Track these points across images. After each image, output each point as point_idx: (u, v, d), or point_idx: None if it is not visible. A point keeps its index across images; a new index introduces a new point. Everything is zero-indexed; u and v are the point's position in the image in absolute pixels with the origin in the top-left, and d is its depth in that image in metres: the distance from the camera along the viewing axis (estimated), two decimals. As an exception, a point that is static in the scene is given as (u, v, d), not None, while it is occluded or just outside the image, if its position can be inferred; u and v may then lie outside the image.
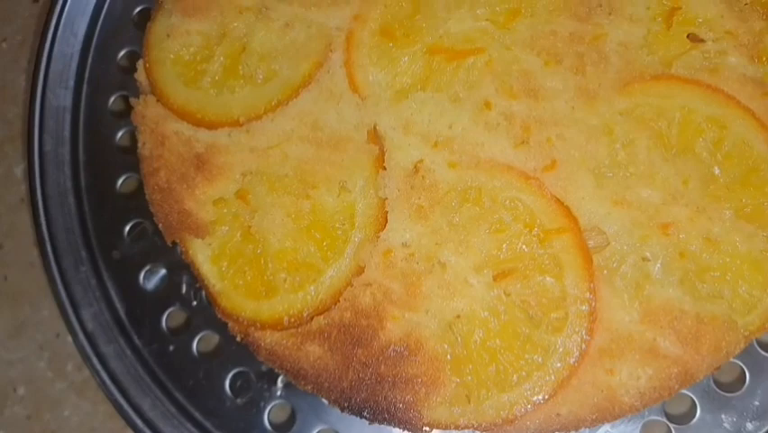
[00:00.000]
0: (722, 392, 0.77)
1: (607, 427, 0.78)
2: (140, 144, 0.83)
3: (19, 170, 1.02)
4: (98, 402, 0.94)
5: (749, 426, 0.76)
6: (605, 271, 0.73)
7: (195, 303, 0.85)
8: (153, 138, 0.82)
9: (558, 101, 0.77)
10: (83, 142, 0.91)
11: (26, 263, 0.99)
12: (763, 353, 0.77)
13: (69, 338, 0.92)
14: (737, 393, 0.77)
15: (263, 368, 0.82)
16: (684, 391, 0.76)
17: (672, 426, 0.77)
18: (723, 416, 0.76)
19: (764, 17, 0.77)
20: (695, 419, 0.77)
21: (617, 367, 0.72)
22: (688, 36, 0.77)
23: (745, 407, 0.76)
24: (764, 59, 0.77)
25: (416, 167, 0.77)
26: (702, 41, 0.77)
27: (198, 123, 0.82)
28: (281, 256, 0.78)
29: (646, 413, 0.77)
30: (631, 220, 0.75)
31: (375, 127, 0.79)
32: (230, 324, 0.79)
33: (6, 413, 0.95)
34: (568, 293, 0.72)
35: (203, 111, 0.82)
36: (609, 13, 0.79)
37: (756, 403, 0.76)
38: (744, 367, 0.77)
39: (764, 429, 0.76)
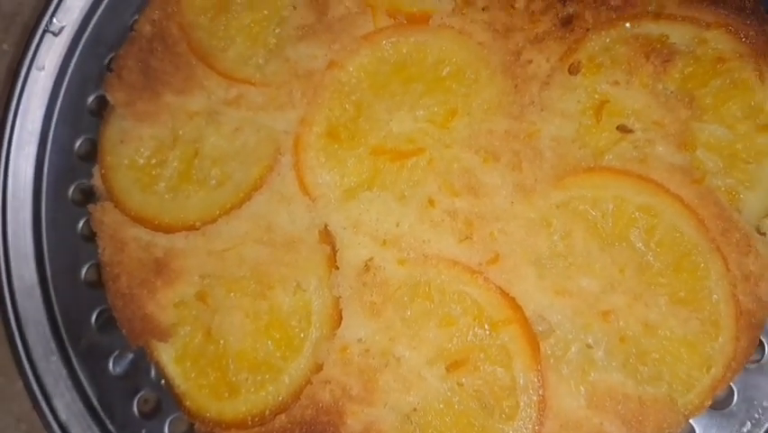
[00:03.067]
0: None
1: None
2: (100, 250, 0.83)
3: None
4: None
5: None
6: (551, 360, 0.74)
7: (163, 384, 0.84)
8: (112, 244, 0.83)
9: (498, 197, 0.79)
10: (45, 234, 0.90)
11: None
12: (711, 409, 0.76)
13: None
14: None
15: None
16: None
17: None
18: None
19: (689, 106, 0.79)
20: None
21: None
22: (617, 128, 0.79)
23: None
24: (691, 147, 0.78)
25: (366, 265, 0.78)
26: (631, 131, 0.79)
27: (156, 228, 0.83)
28: (242, 356, 0.79)
29: None
30: (573, 309, 0.76)
31: (326, 227, 0.81)
32: (196, 424, 0.79)
33: None
34: (517, 382, 0.73)
35: (159, 216, 0.83)
36: (541, 110, 0.80)
37: None
38: (692, 424, 0.77)
39: None
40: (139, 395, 0.86)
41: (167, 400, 0.84)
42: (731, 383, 0.77)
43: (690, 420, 0.77)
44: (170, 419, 0.84)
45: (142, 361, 0.86)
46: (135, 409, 0.85)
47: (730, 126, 0.79)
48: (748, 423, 0.77)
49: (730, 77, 0.79)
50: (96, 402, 0.86)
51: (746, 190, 0.77)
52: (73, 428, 0.85)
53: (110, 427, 0.85)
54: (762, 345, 0.78)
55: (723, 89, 0.79)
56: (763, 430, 0.77)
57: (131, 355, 0.87)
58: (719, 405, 0.78)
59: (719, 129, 0.79)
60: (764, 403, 0.77)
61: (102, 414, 0.86)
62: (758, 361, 0.78)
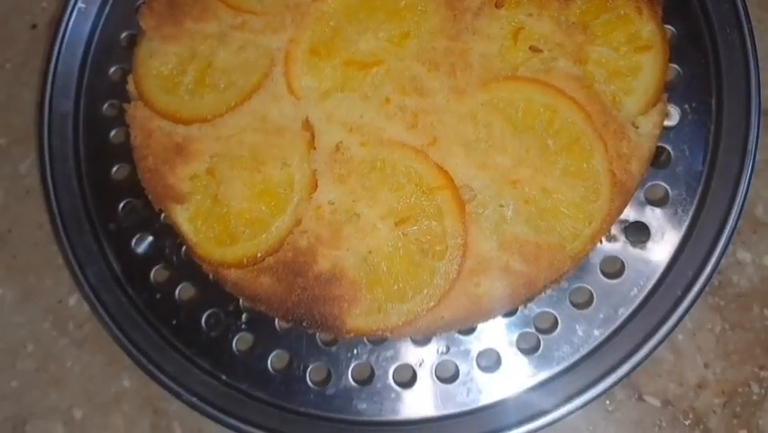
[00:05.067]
0: (576, 310, 0.87)
1: (487, 339, 0.88)
2: (132, 137, 0.91)
3: (23, 167, 1.10)
4: (95, 353, 1.01)
5: (596, 332, 0.87)
6: (473, 216, 0.83)
7: (175, 261, 0.94)
8: (142, 133, 0.91)
9: (437, 96, 0.86)
10: (83, 140, 1.00)
11: (32, 243, 1.06)
12: (605, 279, 0.88)
13: (70, 302, 1.04)
14: (587, 310, 0.87)
15: (231, 308, 0.92)
16: (549, 309, 0.88)
17: (539, 335, 0.87)
18: (577, 326, 0.87)
19: (583, 32, 0.86)
20: (557, 330, 0.87)
21: (482, 282, 0.82)
22: (530, 48, 0.87)
23: (593, 319, 0.87)
24: (584, 63, 0.86)
25: (337, 146, 0.86)
26: (540, 50, 0.87)
27: (176, 120, 0.90)
28: (240, 215, 0.86)
29: (521, 326, 0.88)
30: (490, 179, 0.84)
31: (307, 119, 0.88)
32: (204, 266, 0.88)
33: (18, 366, 1.02)
34: (447, 232, 0.82)
35: (179, 112, 0.90)
36: (473, 34, 0.88)
37: (601, 316, 0.87)
38: (592, 291, 0.87)
39: (607, 334, 0.87)
40: (155, 268, 0.94)
41: (177, 272, 0.94)
42: (623, 259, 0.88)
43: (590, 287, 0.87)
44: (179, 287, 0.93)
45: (159, 242, 0.95)
46: (152, 278, 0.94)
47: (615, 49, 0.86)
48: (635, 288, 0.87)
49: (616, 12, 0.86)
50: (119, 272, 0.95)
51: (624, 96, 0.85)
52: (101, 290, 0.94)
53: (130, 291, 0.94)
54: (648, 229, 0.89)
55: (611, 21, 0.87)
56: (645, 293, 0.87)
57: (150, 238, 0.95)
58: (614, 276, 0.88)
59: (607, 51, 0.86)
60: (647, 274, 0.88)
61: (124, 282, 0.95)
62: (645, 242, 0.88)
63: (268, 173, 0.87)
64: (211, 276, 0.88)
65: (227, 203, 0.87)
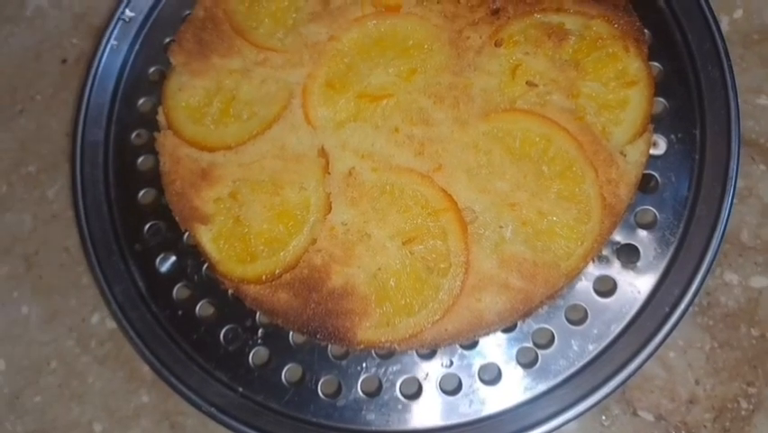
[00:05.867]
0: (572, 326, 0.89)
1: (489, 353, 0.89)
2: (161, 164, 0.95)
3: (51, 193, 1.13)
4: (116, 370, 1.02)
5: (590, 347, 0.88)
6: (475, 236, 0.85)
7: (196, 280, 0.97)
8: (171, 159, 0.95)
9: (442, 127, 0.89)
10: (112, 167, 1.04)
11: (57, 265, 1.08)
12: (598, 298, 0.89)
13: (93, 321, 1.05)
14: (582, 326, 0.89)
15: (248, 323, 0.93)
16: (546, 326, 0.89)
17: (537, 350, 0.89)
18: (572, 341, 0.88)
19: (576, 69, 0.89)
20: (554, 345, 0.89)
21: (483, 297, 0.84)
22: (526, 83, 0.90)
23: (587, 335, 0.88)
24: (576, 96, 0.89)
25: (350, 172, 0.89)
26: (536, 85, 0.90)
27: (202, 148, 0.94)
28: (260, 235, 0.89)
29: (520, 342, 0.89)
30: (491, 202, 0.86)
31: (323, 147, 0.91)
32: (225, 282, 0.90)
33: (41, 382, 1.03)
34: (451, 250, 0.84)
35: (205, 141, 0.94)
36: (474, 70, 0.91)
37: (595, 332, 0.88)
38: (586, 308, 0.89)
39: (600, 348, 0.88)
40: (177, 286, 0.97)
41: (198, 290, 0.96)
42: (615, 279, 0.90)
43: (584, 305, 0.90)
44: (200, 304, 0.96)
45: (182, 262, 0.98)
46: (174, 296, 0.96)
47: (604, 84, 0.89)
48: (626, 305, 0.89)
49: (606, 50, 0.90)
50: (144, 291, 0.98)
51: (613, 126, 0.88)
52: (126, 307, 0.97)
53: (154, 308, 0.97)
54: (638, 251, 0.91)
55: (600, 59, 0.90)
56: (636, 310, 0.89)
57: (173, 258, 0.98)
58: (606, 294, 0.90)
59: (597, 85, 0.90)
60: (638, 292, 0.90)
61: (148, 299, 0.98)
62: (635, 263, 0.91)
63: (286, 196, 0.90)
64: (231, 292, 0.91)
65: (248, 224, 0.90)
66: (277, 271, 0.88)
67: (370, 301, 0.85)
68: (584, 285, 0.91)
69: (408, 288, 0.84)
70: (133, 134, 1.05)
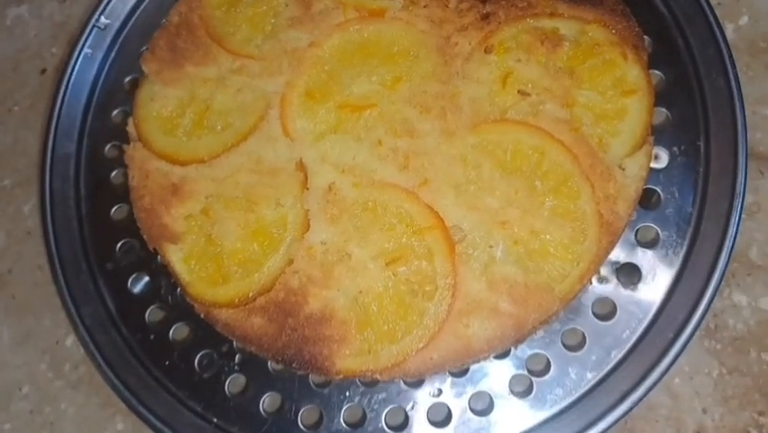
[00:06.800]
0: (569, 352, 0.86)
1: (480, 381, 0.86)
2: (130, 178, 0.94)
3: (26, 208, 1.12)
4: (90, 395, 1.00)
5: (588, 375, 0.85)
6: (463, 256, 0.83)
7: (170, 301, 0.94)
8: (140, 173, 0.93)
9: (428, 138, 0.88)
10: (84, 181, 1.02)
11: (31, 284, 1.07)
12: (597, 321, 0.86)
13: (67, 343, 1.03)
14: (580, 352, 0.85)
15: (224, 348, 0.91)
16: (541, 351, 0.86)
17: (532, 378, 0.86)
18: (570, 369, 0.85)
19: (570, 76, 0.88)
20: (550, 372, 0.85)
21: (471, 322, 0.81)
22: (518, 92, 0.88)
23: (585, 361, 0.85)
24: (571, 106, 0.87)
25: (329, 187, 0.87)
26: (528, 94, 0.88)
27: (174, 161, 0.93)
28: (233, 254, 0.87)
29: (513, 369, 0.86)
30: (480, 219, 0.84)
31: (301, 160, 0.90)
32: (196, 306, 0.88)
33: (12, 408, 1.01)
34: (437, 272, 0.82)
35: (177, 153, 0.93)
36: (463, 78, 0.90)
37: (593, 358, 0.85)
38: (584, 333, 0.86)
39: (600, 376, 0.85)
40: (150, 309, 0.94)
41: (172, 313, 0.93)
42: (614, 301, 0.87)
43: (582, 329, 0.86)
44: (174, 327, 0.93)
45: (155, 282, 0.95)
46: (147, 319, 0.94)
47: (601, 93, 0.88)
48: (627, 331, 0.86)
49: (603, 57, 0.88)
50: (115, 313, 0.95)
51: (611, 138, 0.86)
52: (95, 330, 0.94)
53: (125, 332, 0.94)
54: (639, 271, 0.88)
55: (597, 66, 0.89)
56: (637, 335, 0.86)
57: (146, 278, 0.96)
58: (606, 318, 0.86)
59: (593, 94, 0.88)
60: (639, 316, 0.86)
61: (119, 322, 0.95)
62: (636, 284, 0.87)
63: (261, 213, 0.89)
64: (202, 315, 0.89)
65: (221, 243, 0.89)
66: (250, 294, 0.86)
67: (350, 327, 0.83)
68: (582, 307, 0.87)
69: (391, 312, 0.82)
70: (107, 147, 1.03)
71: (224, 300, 0.87)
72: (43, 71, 1.18)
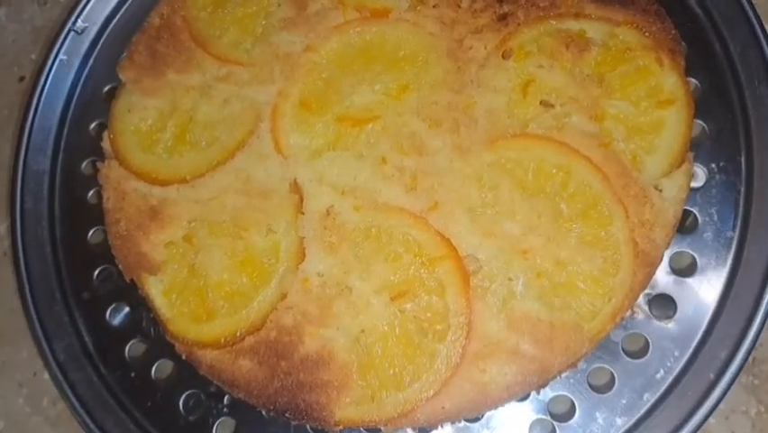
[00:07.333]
0: (596, 394, 0.82)
1: (497, 426, 0.83)
2: (104, 199, 0.90)
3: (2, 228, 1.08)
4: (71, 432, 0.96)
5: (618, 421, 0.81)
6: (479, 290, 0.79)
7: (153, 335, 0.90)
8: (115, 194, 0.89)
9: (439, 156, 0.85)
10: (59, 201, 0.97)
11: (8, 310, 1.03)
12: (627, 359, 0.82)
13: (46, 376, 0.97)
14: (608, 394, 0.81)
15: (212, 389, 0.87)
16: (565, 393, 0.82)
17: (555, 423, 0.81)
18: (597, 413, 0.81)
19: (599, 85, 0.85)
20: (575, 417, 0.81)
21: (488, 367, 0.78)
22: (540, 102, 0.85)
23: (615, 405, 0.81)
24: (600, 119, 0.84)
25: (327, 211, 0.84)
26: (552, 105, 0.85)
27: (153, 181, 0.89)
28: (219, 287, 0.84)
29: (534, 413, 0.82)
30: (498, 248, 0.81)
31: (295, 180, 0.86)
32: (177, 345, 0.84)
33: None
34: (449, 308, 0.78)
35: (156, 172, 0.89)
36: (478, 87, 0.86)
37: (624, 402, 0.81)
38: (613, 372, 0.82)
39: (631, 423, 0.81)
40: (130, 343, 0.90)
41: (155, 347, 0.89)
42: (646, 336, 0.82)
43: (610, 368, 0.82)
44: (156, 364, 0.89)
45: (136, 313, 0.91)
46: (127, 354, 0.90)
47: (634, 103, 0.84)
48: (661, 370, 0.81)
49: (635, 63, 0.85)
50: (91, 347, 0.91)
51: (646, 155, 0.82)
52: (69, 367, 0.90)
53: (102, 369, 0.90)
54: (674, 303, 0.83)
55: (629, 73, 0.85)
56: (673, 376, 0.81)
57: (126, 309, 0.92)
58: (637, 355, 0.82)
59: (625, 105, 0.84)
60: (675, 353, 0.82)
61: (96, 358, 0.91)
62: (671, 317, 0.83)
63: (251, 240, 0.85)
64: (184, 356, 0.84)
65: (205, 274, 0.85)
66: (238, 333, 0.82)
67: (351, 371, 0.79)
68: (610, 343, 0.83)
69: (398, 355, 0.78)
70: (84, 163, 1.00)
71: (209, 340, 0.83)
72: (22, 79, 1.16)
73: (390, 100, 0.88)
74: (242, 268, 0.85)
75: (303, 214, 0.85)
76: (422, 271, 0.81)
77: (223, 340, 0.83)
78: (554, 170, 0.83)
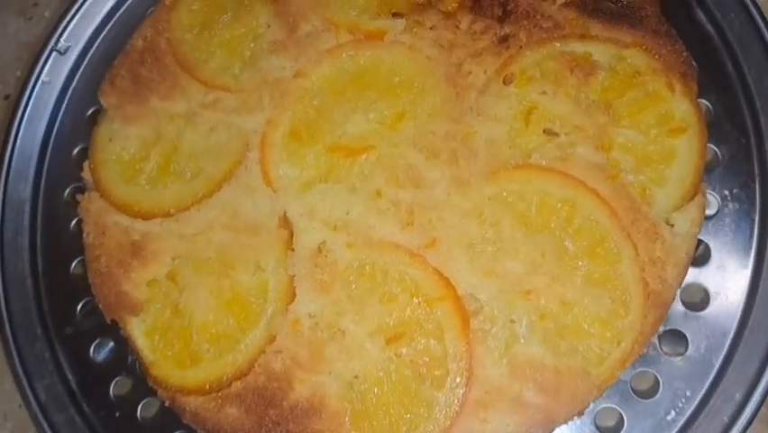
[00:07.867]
0: None
1: None
2: (84, 234, 0.88)
3: None
4: None
5: None
6: (479, 333, 0.78)
7: (138, 371, 0.87)
8: (96, 228, 0.88)
9: (437, 189, 0.84)
10: (40, 230, 0.96)
11: None
12: (636, 398, 0.81)
13: None
14: None
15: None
16: None
17: None
18: None
19: (606, 112, 0.84)
20: None
21: (490, 416, 0.76)
22: (544, 131, 0.84)
23: None
24: (608, 148, 0.83)
25: (319, 248, 0.83)
26: (556, 134, 0.84)
27: (135, 214, 0.88)
28: (204, 329, 0.83)
29: None
30: (499, 288, 0.80)
31: (285, 214, 0.85)
32: (159, 391, 0.83)
33: None
34: (448, 353, 0.77)
35: (139, 204, 0.88)
36: (478, 115, 0.86)
37: None
38: (622, 412, 0.80)
39: None
40: (115, 380, 0.89)
41: (141, 385, 0.87)
42: (656, 375, 0.81)
43: (618, 409, 0.81)
44: (143, 403, 0.87)
45: (122, 348, 0.89)
46: (111, 393, 0.88)
47: (644, 131, 0.83)
48: (672, 412, 0.80)
49: (644, 89, 0.84)
50: (75, 386, 0.90)
51: (656, 187, 0.82)
52: (51, 408, 0.88)
53: (86, 409, 0.88)
54: (686, 338, 0.82)
55: (638, 99, 0.84)
56: (685, 418, 0.80)
57: (111, 344, 0.90)
58: (646, 394, 0.81)
59: (634, 133, 0.83)
60: (687, 393, 0.80)
61: (79, 397, 0.89)
62: (682, 354, 0.81)
63: (237, 279, 0.84)
64: (167, 403, 0.83)
65: (189, 314, 0.84)
66: (224, 378, 0.81)
67: (344, 420, 0.78)
68: (618, 382, 0.81)
69: (393, 403, 0.77)
70: (67, 191, 0.97)
71: (193, 385, 0.82)
72: (7, 97, 1.15)
73: (385, 129, 0.87)
74: (229, 308, 0.84)
75: (293, 250, 0.84)
76: (419, 312, 0.80)
77: (208, 386, 0.81)
78: (559, 204, 0.82)
